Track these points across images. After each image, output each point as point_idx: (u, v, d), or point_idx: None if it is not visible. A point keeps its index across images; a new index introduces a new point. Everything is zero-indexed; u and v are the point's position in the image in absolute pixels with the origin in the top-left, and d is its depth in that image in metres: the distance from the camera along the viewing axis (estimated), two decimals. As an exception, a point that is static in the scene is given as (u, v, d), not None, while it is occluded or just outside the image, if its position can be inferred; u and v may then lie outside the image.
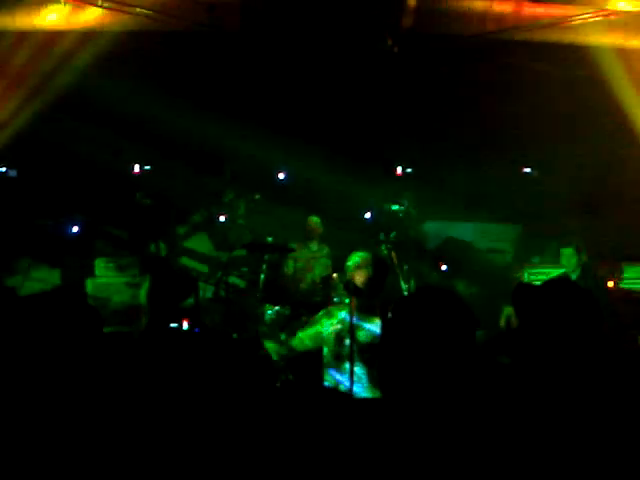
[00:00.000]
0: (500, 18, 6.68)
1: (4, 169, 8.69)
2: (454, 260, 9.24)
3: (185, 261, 9.48)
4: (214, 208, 9.47)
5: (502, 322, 6.52)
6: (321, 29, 6.64)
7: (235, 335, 7.22)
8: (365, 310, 4.57)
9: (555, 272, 6.72)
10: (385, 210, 9.06)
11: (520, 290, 2.46)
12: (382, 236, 8.26)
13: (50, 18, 6.44)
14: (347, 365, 4.45)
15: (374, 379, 4.45)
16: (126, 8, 6.38)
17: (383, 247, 7.96)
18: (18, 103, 7.19)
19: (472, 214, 9.55)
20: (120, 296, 8.46)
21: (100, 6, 6.35)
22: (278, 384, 5.80)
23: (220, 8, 6.39)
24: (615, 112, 7.53)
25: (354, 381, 4.40)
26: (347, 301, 4.55)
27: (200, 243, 9.65)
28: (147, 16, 6.45)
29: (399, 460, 1.99)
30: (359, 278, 4.59)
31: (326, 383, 4.61)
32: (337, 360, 4.61)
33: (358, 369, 4.48)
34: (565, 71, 7.38)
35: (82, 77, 7.13)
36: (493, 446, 2.00)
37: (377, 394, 4.30)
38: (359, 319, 4.54)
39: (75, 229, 8.73)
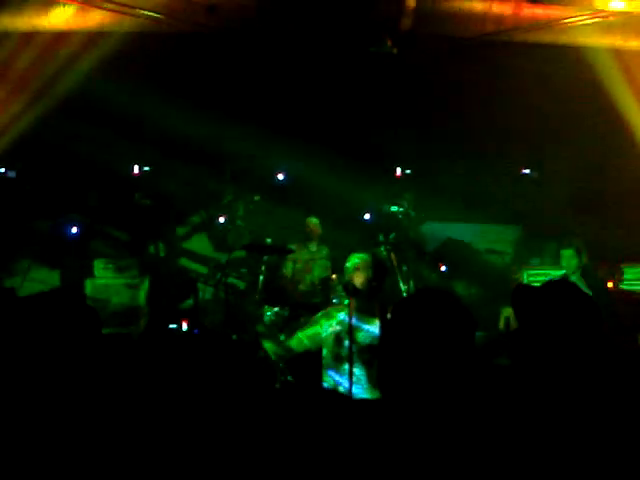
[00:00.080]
0: (499, 19, 6.67)
1: (3, 170, 8.69)
2: (453, 261, 9.24)
3: (184, 262, 9.49)
4: (213, 209, 9.48)
5: (501, 324, 6.52)
6: (321, 30, 6.63)
7: (234, 336, 7.22)
8: (364, 311, 4.57)
9: (555, 273, 6.72)
10: (384, 211, 9.07)
11: (519, 291, 2.46)
12: (381, 237, 8.28)
13: (51, 20, 6.44)
14: (346, 366, 4.45)
15: (373, 380, 4.45)
16: (127, 10, 6.37)
17: (382, 248, 7.97)
18: (20, 107, 7.18)
19: (471, 215, 9.55)
20: (119, 297, 8.46)
21: (100, 7, 6.35)
22: (277, 385, 5.80)
23: (220, 9, 6.39)
24: (615, 113, 7.54)
25: (353, 382, 4.40)
26: (346, 302, 4.55)
27: (199, 244, 9.65)
28: (147, 17, 6.45)
29: (399, 461, 1.99)
30: (358, 279, 4.59)
31: (325, 384, 4.61)
32: (336, 361, 4.61)
33: (357, 370, 4.48)
34: (565, 72, 7.38)
35: (83, 79, 7.13)
36: (493, 447, 2.00)
37: (376, 395, 4.30)
38: (358, 320, 4.54)
39: (74, 230, 8.73)
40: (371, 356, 4.50)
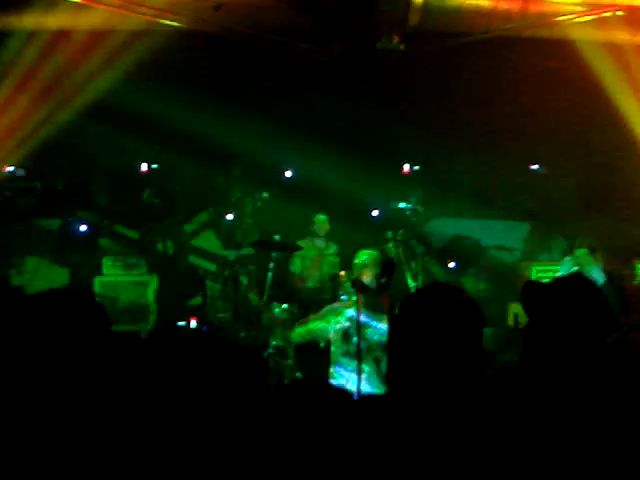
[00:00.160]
0: (507, 15, 6.65)
1: (13, 168, 8.72)
2: (462, 258, 9.23)
3: (193, 259, 9.50)
4: (221, 207, 9.49)
5: (510, 320, 6.51)
6: (328, 26, 6.63)
7: (243, 333, 7.24)
8: (373, 308, 4.56)
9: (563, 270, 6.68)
10: (393, 208, 9.06)
11: (529, 288, 2.44)
12: (390, 234, 8.27)
13: (55, 19, 6.45)
14: (355, 363, 4.45)
15: (382, 377, 4.45)
16: (134, 7, 6.38)
17: (391, 245, 7.97)
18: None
19: (480, 211, 9.53)
20: (128, 295, 8.49)
21: (106, 4, 6.36)
22: (286, 382, 5.81)
23: (227, 6, 6.39)
24: (624, 108, 7.50)
25: (362, 379, 4.40)
26: (355, 299, 4.54)
27: (208, 241, 9.66)
28: (154, 15, 6.46)
29: (406, 458, 1.99)
30: (367, 276, 4.58)
31: (333, 381, 4.61)
32: (345, 358, 4.61)
33: (366, 367, 4.48)
34: (574, 68, 7.34)
35: (91, 77, 7.14)
36: (500, 444, 1.99)
37: (385, 392, 4.30)
38: (367, 317, 4.54)
39: (83, 228, 8.76)
40: (380, 353, 4.50)
